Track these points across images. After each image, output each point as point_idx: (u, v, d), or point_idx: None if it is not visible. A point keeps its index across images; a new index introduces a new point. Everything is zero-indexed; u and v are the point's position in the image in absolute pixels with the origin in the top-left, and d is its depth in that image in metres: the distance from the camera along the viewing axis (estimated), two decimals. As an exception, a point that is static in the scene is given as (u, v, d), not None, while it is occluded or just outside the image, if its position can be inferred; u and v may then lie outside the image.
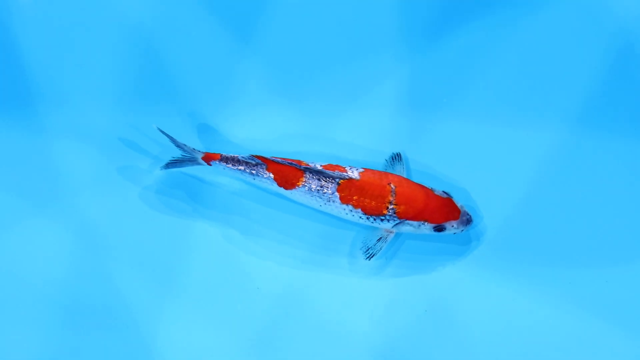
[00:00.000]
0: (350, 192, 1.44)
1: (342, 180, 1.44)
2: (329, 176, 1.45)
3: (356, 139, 1.58)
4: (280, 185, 1.47)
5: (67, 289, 1.50)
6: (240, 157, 1.48)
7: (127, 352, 1.47)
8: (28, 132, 1.58)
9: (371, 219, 1.46)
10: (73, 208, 1.55)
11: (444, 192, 1.48)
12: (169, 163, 1.51)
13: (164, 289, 1.50)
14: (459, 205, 1.47)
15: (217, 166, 1.49)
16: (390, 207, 1.44)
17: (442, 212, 1.45)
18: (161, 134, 1.51)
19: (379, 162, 1.55)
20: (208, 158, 1.49)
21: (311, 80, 1.61)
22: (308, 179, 1.45)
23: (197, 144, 1.57)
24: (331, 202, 1.46)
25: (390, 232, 1.48)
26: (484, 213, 1.53)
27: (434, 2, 1.64)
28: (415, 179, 1.54)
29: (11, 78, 1.60)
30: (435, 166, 1.56)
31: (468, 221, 1.46)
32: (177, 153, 1.51)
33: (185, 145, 1.50)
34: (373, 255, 1.47)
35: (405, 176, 1.51)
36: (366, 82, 1.60)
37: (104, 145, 1.58)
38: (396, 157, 1.53)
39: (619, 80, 1.59)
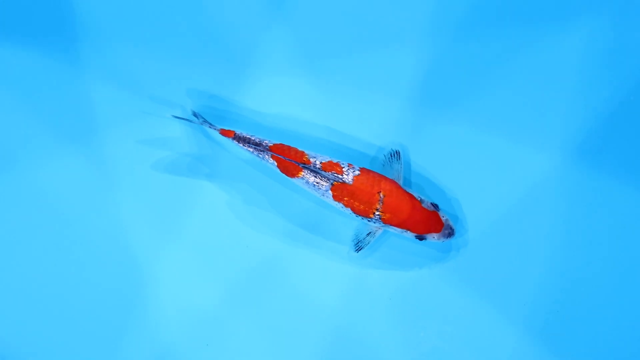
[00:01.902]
0: (342, 193, 1.55)
1: (335, 182, 1.55)
2: (324, 176, 1.55)
3: (363, 126, 1.66)
4: (282, 172, 1.59)
5: (75, 216, 1.67)
6: (250, 140, 1.59)
7: (121, 283, 1.66)
8: (64, 62, 1.70)
9: (359, 217, 1.57)
10: (95, 143, 1.69)
11: (432, 204, 1.57)
12: (193, 115, 1.64)
13: (164, 232, 1.67)
14: (443, 218, 1.56)
15: (230, 142, 1.62)
16: (377, 213, 1.54)
17: (425, 224, 1.55)
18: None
19: (379, 155, 1.64)
20: (223, 133, 1.61)
21: (334, 59, 1.67)
22: (306, 173, 1.57)
23: (213, 99, 1.69)
24: (325, 197, 1.58)
25: (379, 228, 1.59)
26: (470, 226, 1.62)
27: (470, 5, 1.64)
28: (412, 178, 1.63)
29: (57, 7, 1.71)
30: (432, 168, 1.63)
31: (449, 234, 1.56)
32: (201, 107, 1.65)
33: (205, 121, 1.62)
34: (362, 248, 1.60)
35: (402, 175, 1.60)
36: (384, 71, 1.66)
37: (135, 89, 1.69)
38: (395, 155, 1.61)
39: (630, 123, 1.58)
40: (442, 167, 1.63)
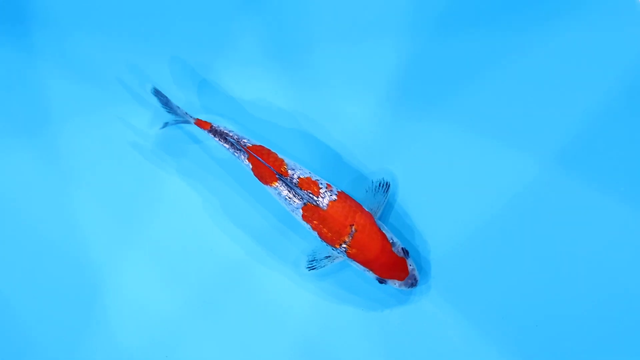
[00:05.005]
0: (312, 216, 1.45)
1: (309, 203, 1.44)
2: (299, 194, 1.45)
3: (336, 124, 1.56)
4: (256, 176, 1.48)
5: (27, 213, 1.56)
6: (227, 136, 1.47)
7: (74, 285, 1.55)
8: (16, 49, 1.58)
9: (324, 243, 1.47)
10: (50, 136, 1.57)
11: (403, 249, 1.47)
12: (165, 124, 1.52)
13: (123, 231, 1.56)
14: (410, 267, 1.47)
15: (206, 135, 1.49)
16: (344, 245, 1.45)
17: (390, 269, 1.46)
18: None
19: (353, 154, 1.56)
20: (199, 124, 1.49)
21: (308, 51, 1.57)
22: (280, 185, 1.46)
23: (182, 88, 1.57)
24: (294, 213, 1.47)
25: (340, 258, 1.50)
26: (434, 272, 1.53)
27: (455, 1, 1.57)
28: (390, 204, 1.55)
29: None
30: (408, 168, 1.54)
31: (412, 285, 1.47)
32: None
33: (179, 108, 1.50)
34: (314, 268, 1.50)
35: (381, 209, 1.50)
36: (362, 66, 1.56)
37: (92, 78, 1.58)
38: (383, 186, 1.51)
39: (621, 132, 1.53)
40: (418, 169, 1.55)
